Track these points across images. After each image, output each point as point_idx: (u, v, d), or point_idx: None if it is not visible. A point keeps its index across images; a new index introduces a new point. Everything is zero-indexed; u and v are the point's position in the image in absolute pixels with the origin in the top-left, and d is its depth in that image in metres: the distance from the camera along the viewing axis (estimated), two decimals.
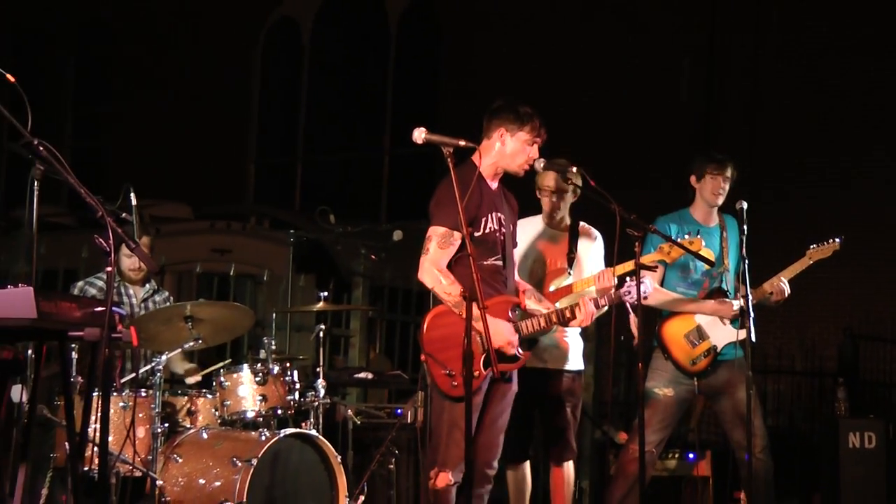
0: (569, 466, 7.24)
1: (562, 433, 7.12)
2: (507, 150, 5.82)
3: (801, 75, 13.16)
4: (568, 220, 7.09)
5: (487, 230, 5.75)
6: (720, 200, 7.18)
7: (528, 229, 6.95)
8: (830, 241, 7.19)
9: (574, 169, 5.92)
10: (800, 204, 12.54)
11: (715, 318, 7.12)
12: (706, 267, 7.09)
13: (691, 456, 8.55)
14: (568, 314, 5.95)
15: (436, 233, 5.72)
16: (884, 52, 12.66)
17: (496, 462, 5.99)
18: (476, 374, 5.38)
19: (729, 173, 7.21)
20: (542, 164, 6.07)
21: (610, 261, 6.59)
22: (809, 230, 9.73)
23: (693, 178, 7.29)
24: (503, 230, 5.87)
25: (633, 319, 6.14)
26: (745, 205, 7.06)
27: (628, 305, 6.00)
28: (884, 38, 12.72)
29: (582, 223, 7.09)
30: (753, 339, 6.83)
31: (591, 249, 7.01)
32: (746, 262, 6.90)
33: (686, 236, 6.68)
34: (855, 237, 7.71)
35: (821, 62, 13.04)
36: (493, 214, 5.81)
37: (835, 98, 12.89)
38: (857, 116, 12.75)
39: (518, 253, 6.39)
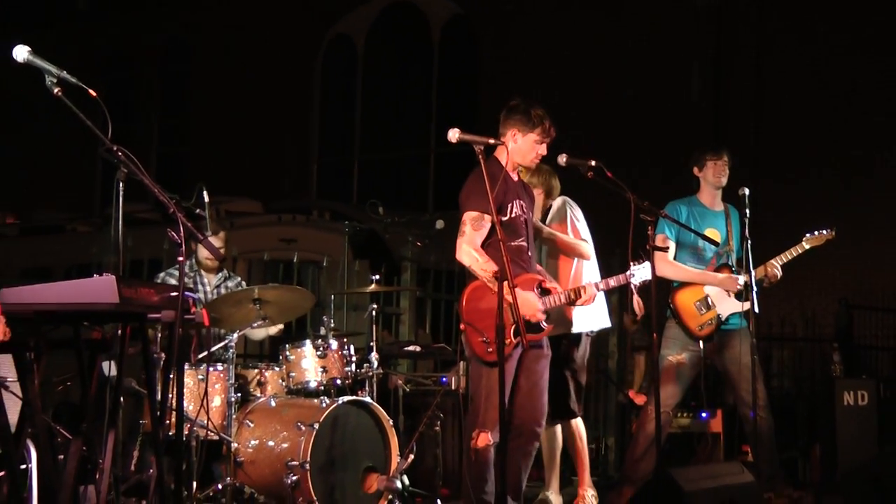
0: (576, 423, 7.17)
1: (561, 395, 7.06)
2: (518, 147, 5.85)
3: (801, 75, 13.05)
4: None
5: (513, 215, 5.79)
6: (724, 181, 7.20)
7: None
8: (825, 231, 7.19)
9: (593, 163, 5.88)
10: (799, 191, 12.50)
11: (721, 291, 7.15)
12: (713, 247, 7.12)
13: (704, 414, 8.51)
14: (573, 295, 5.99)
15: (469, 217, 5.76)
16: (883, 52, 12.56)
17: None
18: (507, 342, 5.37)
19: (726, 157, 7.27)
20: (564, 160, 6.06)
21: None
22: (808, 214, 9.68)
23: (696, 169, 7.34)
24: (525, 215, 5.90)
25: (635, 299, 6.13)
26: (747, 191, 7.07)
27: (632, 286, 5.99)
28: (881, 38, 12.61)
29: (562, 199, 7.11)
30: (757, 310, 6.83)
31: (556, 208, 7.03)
32: (749, 242, 6.90)
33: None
34: (849, 219, 7.70)
35: (821, 63, 12.93)
36: (516, 202, 5.85)
37: (833, 96, 12.80)
38: (853, 111, 12.68)
39: None
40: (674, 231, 7.13)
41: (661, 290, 6.16)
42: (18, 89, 10.42)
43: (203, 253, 7.47)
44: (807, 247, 7.17)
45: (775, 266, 7.10)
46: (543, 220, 6.93)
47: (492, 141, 5.57)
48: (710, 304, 7.14)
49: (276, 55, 17.52)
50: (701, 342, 7.14)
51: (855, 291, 11.31)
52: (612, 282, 6.11)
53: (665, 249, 6.66)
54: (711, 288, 7.16)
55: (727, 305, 7.13)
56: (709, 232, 7.08)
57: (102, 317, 4.15)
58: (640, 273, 5.92)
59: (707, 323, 7.13)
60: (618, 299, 9.11)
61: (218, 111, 18.06)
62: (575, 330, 6.94)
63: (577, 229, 6.98)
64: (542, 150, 5.93)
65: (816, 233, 7.18)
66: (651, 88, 13.77)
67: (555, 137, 5.94)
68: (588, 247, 6.87)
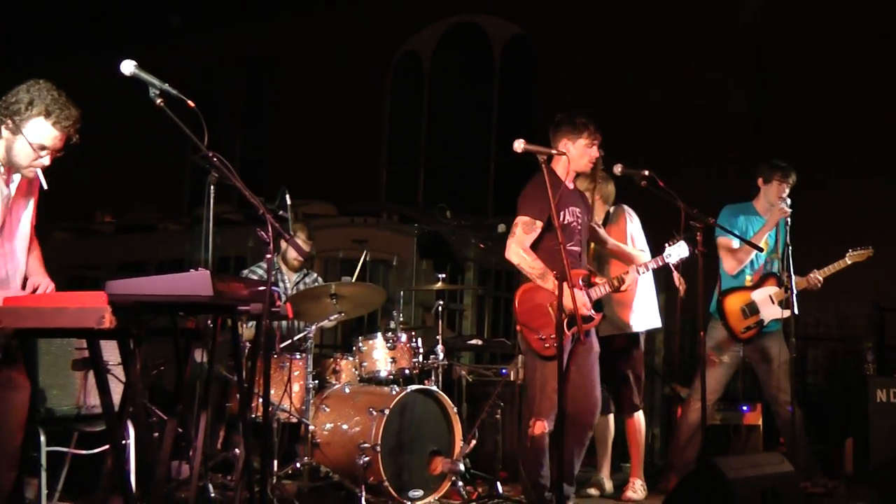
0: (638, 417, 7.22)
1: (625, 389, 7.12)
2: (572, 155, 5.84)
3: (836, 89, 12.92)
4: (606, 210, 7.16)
5: (566, 221, 5.81)
6: (782, 204, 7.13)
7: None
8: (865, 248, 7.23)
9: (646, 173, 5.87)
10: (833, 198, 12.38)
11: (766, 297, 7.16)
12: (763, 252, 7.14)
13: (745, 408, 8.45)
14: (617, 282, 6.02)
15: (521, 221, 5.82)
16: None
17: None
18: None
19: (792, 180, 7.26)
20: (619, 170, 6.07)
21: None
22: (843, 221, 9.56)
23: (761, 180, 7.35)
24: (577, 222, 5.90)
25: (676, 276, 6.10)
26: (788, 200, 7.06)
27: (671, 265, 5.98)
28: None
29: (618, 206, 7.13)
30: (797, 311, 6.82)
31: (629, 224, 7.05)
32: (790, 248, 6.89)
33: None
34: (881, 226, 7.63)
35: (854, 77, 12.79)
36: (570, 209, 5.86)
37: (867, 109, 12.64)
38: (886, 123, 12.54)
39: None
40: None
41: (709, 290, 6.13)
42: (115, 99, 10.57)
43: (291, 253, 7.53)
44: (849, 262, 7.28)
45: (818, 279, 7.20)
46: (604, 224, 6.95)
47: (554, 151, 5.62)
48: (755, 309, 7.17)
49: (350, 71, 17.61)
50: (744, 344, 7.19)
51: (886, 295, 11.21)
52: (651, 264, 6.14)
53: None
54: (757, 294, 7.19)
55: (770, 311, 7.17)
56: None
57: (197, 308, 4.19)
58: (675, 252, 5.93)
59: (750, 326, 7.17)
60: (664, 300, 9.06)
61: (296, 121, 18.19)
62: (633, 330, 7.01)
63: (634, 238, 6.99)
64: (594, 152, 5.95)
65: (860, 249, 7.25)
66: (696, 101, 13.70)
67: (601, 139, 5.94)
68: (645, 256, 6.86)
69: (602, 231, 6.66)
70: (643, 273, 6.23)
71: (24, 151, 4.14)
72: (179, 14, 19.02)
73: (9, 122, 4.10)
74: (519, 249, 5.78)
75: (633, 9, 14.62)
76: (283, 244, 7.24)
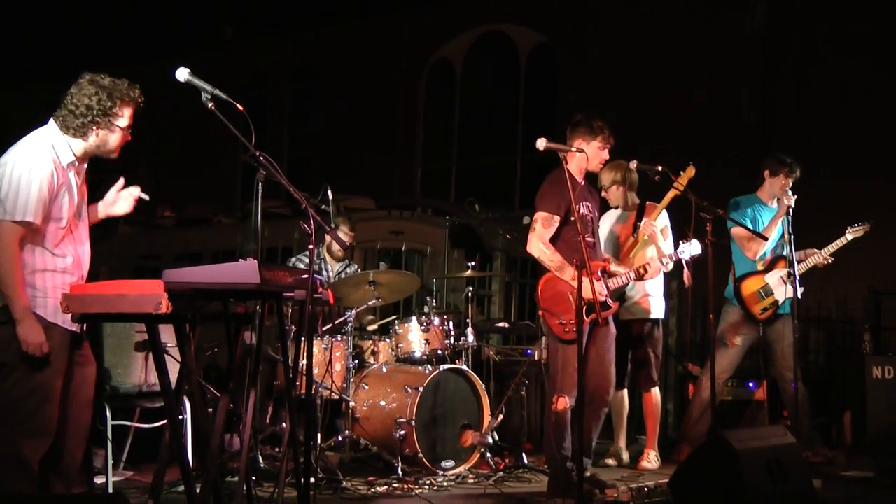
0: (655, 392, 7.22)
1: (646, 367, 7.13)
2: (586, 155, 5.81)
3: (836, 93, 12.88)
4: (636, 200, 7.14)
5: (581, 214, 5.76)
6: (787, 197, 7.09)
7: (607, 218, 7.03)
8: (864, 223, 7.17)
9: (660, 168, 5.83)
10: (834, 192, 12.37)
11: (778, 279, 7.14)
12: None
13: (751, 384, 8.40)
14: (642, 271, 6.01)
15: (541, 216, 5.79)
16: None
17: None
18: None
19: (796, 175, 7.24)
20: (635, 165, 6.04)
21: (675, 227, 6.64)
22: (843, 211, 9.48)
23: (767, 173, 7.33)
24: (591, 215, 5.88)
25: (686, 273, 6.09)
26: (790, 193, 7.03)
27: (683, 262, 5.96)
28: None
29: (648, 202, 7.09)
30: (800, 296, 6.77)
31: (661, 219, 6.95)
32: (793, 236, 6.86)
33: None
34: (878, 216, 7.61)
35: (853, 81, 12.76)
36: (583, 203, 5.83)
37: (864, 111, 12.60)
38: (883, 123, 12.50)
39: (602, 234, 6.57)
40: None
41: (721, 276, 6.09)
42: (175, 105, 10.62)
43: (335, 244, 7.54)
44: (850, 237, 7.23)
45: (826, 256, 7.14)
46: (640, 216, 6.93)
47: (573, 149, 5.59)
48: (770, 290, 7.16)
49: (387, 77, 17.63)
50: (760, 325, 7.16)
51: (882, 280, 11.22)
52: (665, 260, 6.17)
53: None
54: (770, 277, 7.17)
55: (783, 291, 7.13)
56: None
57: (246, 294, 4.20)
58: (688, 249, 5.92)
59: (767, 307, 7.17)
60: (677, 286, 9.01)
61: (338, 124, 18.24)
62: (653, 316, 7.05)
63: (665, 231, 7.02)
64: (605, 154, 5.92)
65: (857, 225, 7.19)
66: (707, 104, 13.68)
67: (614, 144, 5.90)
68: (668, 248, 6.94)
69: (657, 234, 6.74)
70: (666, 264, 6.24)
71: (114, 141, 4.30)
72: (232, 26, 19.15)
73: (101, 121, 4.22)
74: (539, 244, 5.75)
75: (647, 19, 14.61)
76: (328, 237, 7.24)
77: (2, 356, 4.07)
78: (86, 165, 4.39)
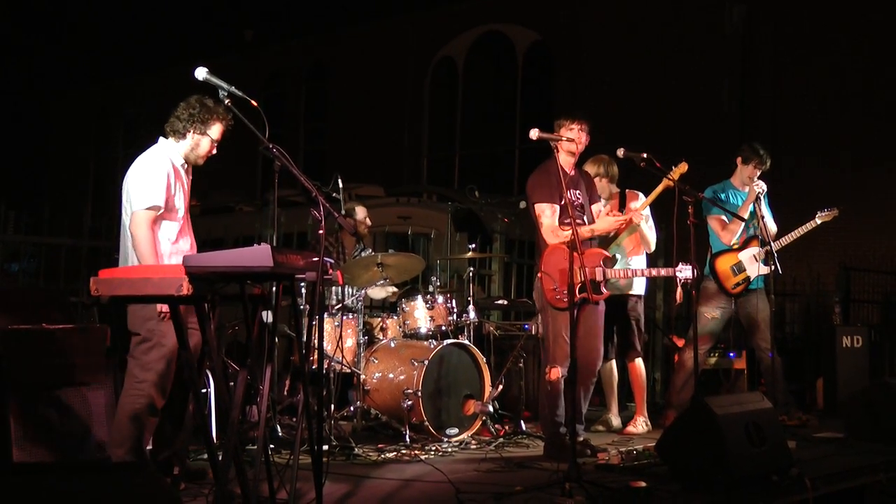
0: (639, 362, 7.21)
1: (629, 339, 7.11)
2: (574, 143, 5.77)
3: (811, 87, 12.93)
4: (616, 190, 7.11)
5: (569, 200, 5.70)
6: (751, 184, 7.08)
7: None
8: (833, 209, 7.16)
9: (644, 155, 5.79)
10: (809, 177, 12.44)
11: (751, 257, 7.12)
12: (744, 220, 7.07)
13: (732, 354, 8.40)
14: (643, 272, 6.32)
15: (541, 209, 5.74)
16: (878, 65, 12.39)
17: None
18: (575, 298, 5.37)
19: (765, 166, 7.23)
20: (622, 153, 5.98)
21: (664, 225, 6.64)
22: (815, 197, 9.50)
23: (740, 160, 7.32)
24: (580, 200, 5.85)
25: (678, 292, 6.01)
26: (764, 187, 7.06)
27: (678, 279, 5.83)
28: (877, 53, 12.41)
29: (627, 189, 7.07)
30: (780, 271, 6.74)
31: (639, 203, 6.93)
32: (764, 219, 6.90)
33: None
34: (849, 199, 7.63)
35: (826, 75, 12.80)
36: (573, 191, 5.78)
37: (837, 102, 12.66)
38: (852, 114, 12.52)
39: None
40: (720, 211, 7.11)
41: (701, 251, 6.07)
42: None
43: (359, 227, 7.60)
44: (819, 222, 7.19)
45: (794, 238, 7.14)
46: (622, 205, 6.91)
47: (565, 139, 5.57)
48: (742, 267, 7.14)
49: (394, 73, 17.61)
50: (733, 298, 7.14)
51: (852, 256, 11.28)
52: (664, 272, 6.06)
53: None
54: (743, 255, 7.15)
55: (754, 268, 7.11)
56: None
57: (261, 276, 4.17)
58: (685, 270, 5.78)
59: (739, 283, 7.14)
60: (663, 263, 8.99)
61: (349, 117, 18.25)
62: (634, 292, 7.04)
63: (648, 216, 6.98)
64: (584, 138, 5.83)
65: (826, 210, 7.16)
66: (691, 98, 13.72)
67: (587, 126, 5.81)
68: (652, 235, 7.00)
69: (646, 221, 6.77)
70: (657, 276, 6.26)
71: (205, 146, 4.94)
72: (252, 29, 19.14)
73: (199, 127, 4.84)
74: (553, 236, 5.73)
75: (634, 20, 14.61)
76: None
77: (137, 329, 4.66)
78: (191, 169, 4.99)
